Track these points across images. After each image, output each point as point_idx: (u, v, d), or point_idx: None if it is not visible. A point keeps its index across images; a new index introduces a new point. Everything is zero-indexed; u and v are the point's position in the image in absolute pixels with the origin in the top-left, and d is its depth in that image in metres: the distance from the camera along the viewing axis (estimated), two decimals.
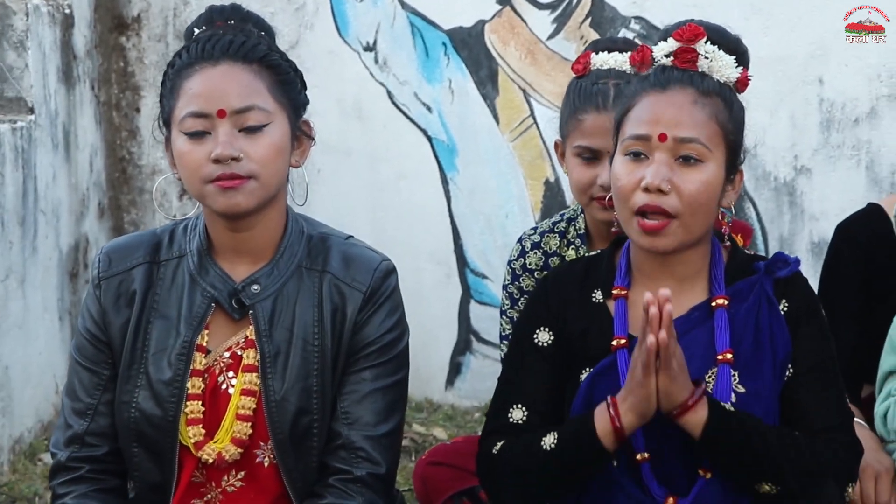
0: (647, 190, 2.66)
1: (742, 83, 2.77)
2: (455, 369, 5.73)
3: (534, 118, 5.49)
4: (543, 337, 2.82)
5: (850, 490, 2.71)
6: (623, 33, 5.24)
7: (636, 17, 5.28)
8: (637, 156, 2.69)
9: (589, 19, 5.41)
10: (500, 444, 2.76)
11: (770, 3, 5.09)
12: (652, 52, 2.76)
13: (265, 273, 2.81)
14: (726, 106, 2.72)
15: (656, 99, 2.70)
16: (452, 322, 5.72)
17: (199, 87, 2.73)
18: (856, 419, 3.29)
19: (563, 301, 2.82)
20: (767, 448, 2.64)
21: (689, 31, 2.72)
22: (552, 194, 5.49)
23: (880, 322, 3.43)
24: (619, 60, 3.25)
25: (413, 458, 4.84)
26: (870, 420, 3.34)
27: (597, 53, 3.31)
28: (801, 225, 5.17)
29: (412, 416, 5.46)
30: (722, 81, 2.73)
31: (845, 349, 3.38)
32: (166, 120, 2.80)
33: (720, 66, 2.73)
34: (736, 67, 2.76)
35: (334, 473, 2.79)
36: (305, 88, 2.86)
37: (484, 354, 5.62)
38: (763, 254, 4.34)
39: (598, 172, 3.23)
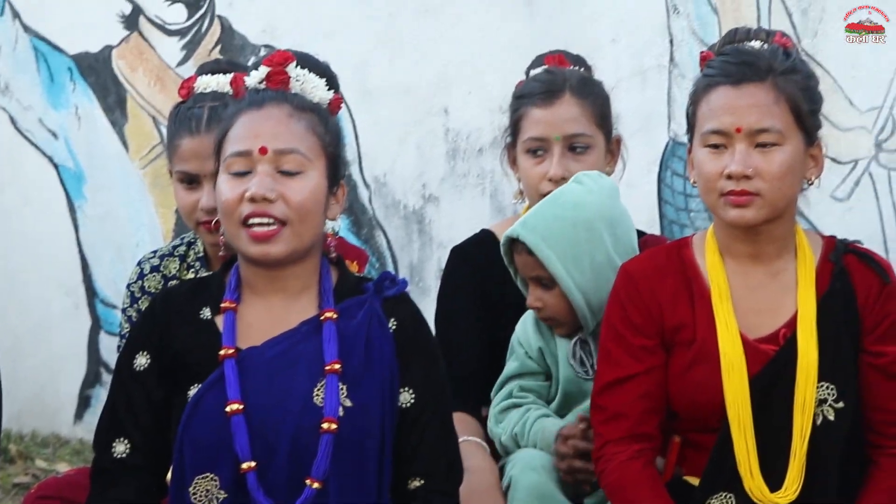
0: (252, 200, 2.69)
1: (335, 106, 2.86)
2: (84, 402, 5.62)
3: (164, 145, 5.42)
4: (140, 361, 2.80)
5: None
6: (253, 62, 5.24)
7: (266, 45, 5.29)
8: (240, 174, 2.73)
9: (219, 46, 5.40)
10: None
11: (396, 34, 5.18)
12: (245, 80, 2.83)
13: None
14: (322, 121, 2.79)
15: (254, 116, 2.75)
16: (81, 354, 5.61)
17: None
18: (477, 440, 3.39)
19: (169, 320, 2.81)
20: None
21: (279, 57, 2.81)
22: (183, 222, 5.43)
23: (494, 345, 3.51)
24: (220, 82, 3.24)
25: None
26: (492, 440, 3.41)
27: (201, 77, 3.30)
28: (430, 252, 5.27)
29: (36, 452, 5.33)
30: (315, 101, 2.81)
31: (466, 369, 3.46)
32: None
33: (311, 87, 2.81)
34: (327, 90, 2.84)
35: None
36: None
37: None
38: None
39: (199, 197, 3.22)
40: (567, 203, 3.25)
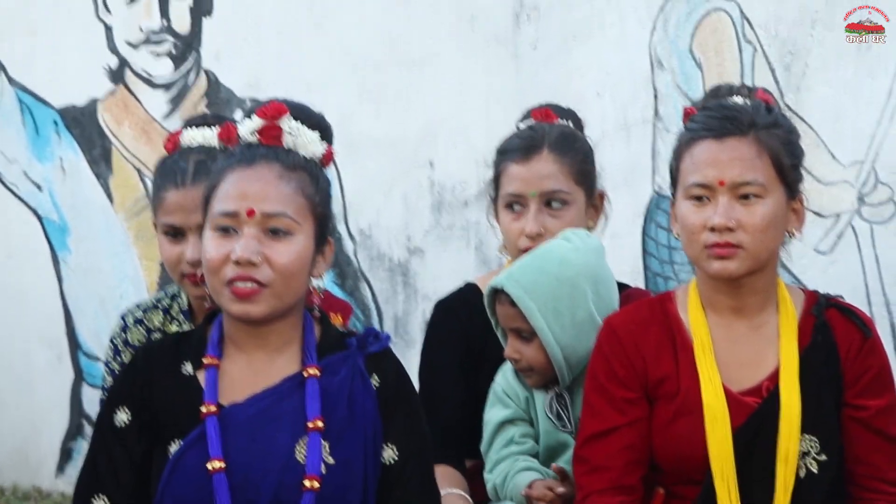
0: (237, 263, 2.68)
1: (327, 158, 2.84)
2: (66, 455, 5.58)
3: (149, 198, 5.42)
4: (121, 417, 2.77)
5: None
6: (238, 114, 5.26)
7: (252, 99, 5.30)
8: (226, 231, 2.71)
9: (205, 100, 5.41)
10: None
11: (381, 87, 5.19)
12: (237, 129, 2.80)
13: None
14: (312, 180, 2.77)
15: (243, 175, 2.73)
16: (64, 406, 5.58)
17: None
18: (459, 492, 3.38)
19: (151, 375, 2.79)
20: None
21: (273, 109, 2.78)
22: (167, 274, 5.42)
23: (478, 398, 3.51)
24: (207, 136, 3.24)
25: None
26: (475, 492, 3.40)
27: (187, 130, 3.30)
28: (415, 304, 5.26)
29: None
30: (308, 157, 2.79)
31: (450, 422, 3.46)
32: None
33: (305, 141, 2.79)
34: (320, 143, 2.82)
35: None
36: None
37: None
38: None
39: (183, 249, 3.21)
40: (553, 259, 3.26)
